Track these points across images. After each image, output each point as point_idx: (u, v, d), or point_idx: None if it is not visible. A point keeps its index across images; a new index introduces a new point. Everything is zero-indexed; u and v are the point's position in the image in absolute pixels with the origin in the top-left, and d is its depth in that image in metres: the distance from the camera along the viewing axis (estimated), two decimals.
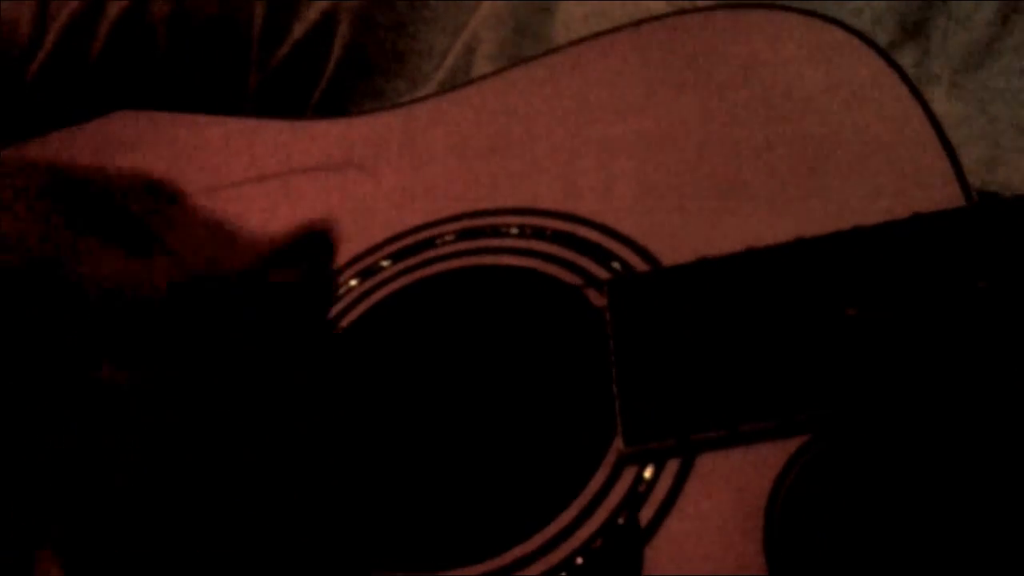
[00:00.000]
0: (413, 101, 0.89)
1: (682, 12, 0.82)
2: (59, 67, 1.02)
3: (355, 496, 0.74)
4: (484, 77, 0.87)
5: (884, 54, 0.77)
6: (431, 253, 0.80)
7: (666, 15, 0.82)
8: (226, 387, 0.67)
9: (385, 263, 0.81)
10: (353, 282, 0.81)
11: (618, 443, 0.68)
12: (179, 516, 0.65)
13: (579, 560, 0.66)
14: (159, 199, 0.72)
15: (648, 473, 0.67)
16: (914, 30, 0.86)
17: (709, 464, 0.66)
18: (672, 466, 0.66)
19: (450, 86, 0.89)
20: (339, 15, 0.94)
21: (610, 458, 0.68)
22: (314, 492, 0.73)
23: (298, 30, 0.95)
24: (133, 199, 0.70)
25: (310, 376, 0.77)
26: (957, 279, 0.66)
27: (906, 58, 0.84)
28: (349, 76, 0.94)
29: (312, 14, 0.94)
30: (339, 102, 0.96)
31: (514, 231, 0.79)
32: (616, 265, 0.75)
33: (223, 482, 0.67)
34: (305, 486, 0.74)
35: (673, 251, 0.74)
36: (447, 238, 0.80)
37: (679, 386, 0.67)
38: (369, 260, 0.82)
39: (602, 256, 0.76)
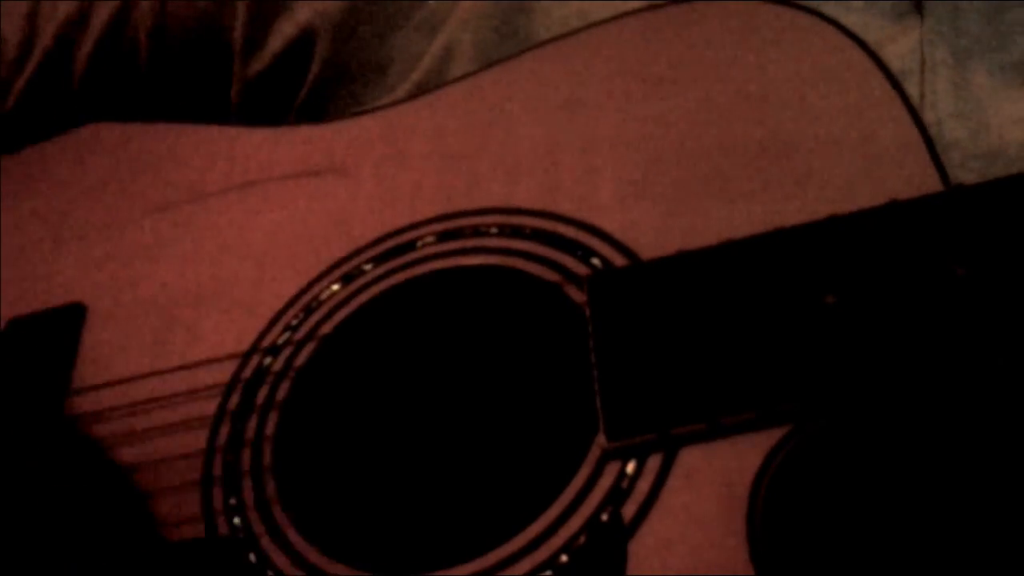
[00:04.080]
0: (392, 104, 0.88)
1: (658, 5, 0.82)
2: (45, 83, 1.02)
3: (339, 497, 0.74)
4: (463, 77, 0.86)
5: (860, 41, 0.76)
6: (412, 255, 0.80)
7: (641, 9, 0.82)
8: None
9: (367, 267, 0.81)
10: (335, 287, 0.81)
11: (600, 439, 0.67)
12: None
13: (564, 558, 0.66)
14: None
15: (631, 468, 0.66)
16: (912, 18, 0.84)
17: (691, 458, 0.66)
18: (655, 461, 0.66)
19: (428, 87, 0.88)
20: (318, 26, 0.93)
21: (593, 454, 0.68)
22: (300, 492, 0.73)
23: (278, 41, 0.94)
24: None
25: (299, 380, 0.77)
26: (935, 265, 0.65)
27: (904, 46, 0.83)
28: (329, 84, 0.94)
29: (291, 26, 0.94)
30: (320, 109, 0.95)
31: (494, 231, 0.79)
32: (596, 262, 0.75)
33: None
34: (290, 488, 0.74)
35: (653, 246, 0.73)
36: (428, 240, 0.80)
37: (660, 380, 0.67)
38: (351, 264, 0.81)
39: (582, 253, 0.75)
